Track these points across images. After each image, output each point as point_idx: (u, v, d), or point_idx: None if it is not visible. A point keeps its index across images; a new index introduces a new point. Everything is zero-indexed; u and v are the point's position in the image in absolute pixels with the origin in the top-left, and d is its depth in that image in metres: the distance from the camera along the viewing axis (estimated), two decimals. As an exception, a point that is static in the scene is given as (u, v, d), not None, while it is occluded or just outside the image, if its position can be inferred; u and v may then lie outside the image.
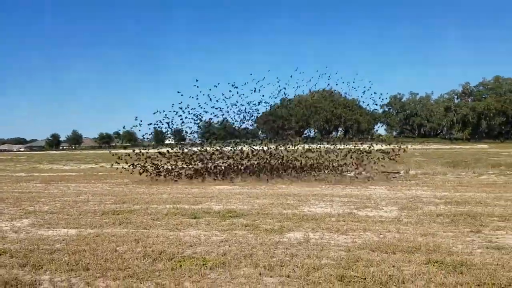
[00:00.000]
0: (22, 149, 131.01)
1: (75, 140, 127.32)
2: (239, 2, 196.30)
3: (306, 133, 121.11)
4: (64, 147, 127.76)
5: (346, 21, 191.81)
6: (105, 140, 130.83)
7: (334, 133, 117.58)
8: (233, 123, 23.63)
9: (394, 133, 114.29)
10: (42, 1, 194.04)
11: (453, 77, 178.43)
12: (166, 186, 13.49)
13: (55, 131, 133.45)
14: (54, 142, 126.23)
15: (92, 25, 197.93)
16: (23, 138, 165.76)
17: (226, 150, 18.15)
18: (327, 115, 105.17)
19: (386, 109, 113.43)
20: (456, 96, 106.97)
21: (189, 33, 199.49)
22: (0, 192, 12.16)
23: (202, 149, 18.49)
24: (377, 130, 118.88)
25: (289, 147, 18.13)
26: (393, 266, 4.48)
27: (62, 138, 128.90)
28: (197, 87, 21.69)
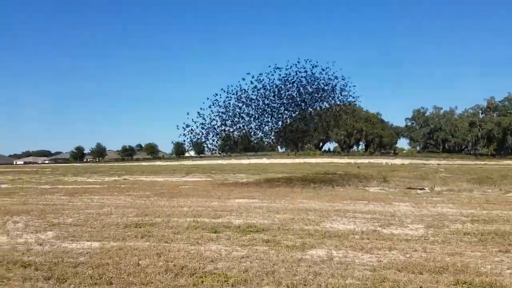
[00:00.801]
0: (47, 162, 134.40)
1: (99, 152, 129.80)
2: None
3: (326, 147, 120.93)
4: (88, 160, 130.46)
5: (368, 33, 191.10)
6: (128, 153, 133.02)
7: (355, 147, 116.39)
8: (252, 135, 24.20)
9: (418, 148, 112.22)
10: (59, 17, 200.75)
11: (477, 91, 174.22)
12: (187, 199, 13.54)
13: (79, 144, 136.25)
14: (78, 155, 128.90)
15: (110, 32, 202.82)
16: (48, 150, 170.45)
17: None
18: (348, 128, 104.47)
19: (409, 124, 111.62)
20: (480, 111, 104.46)
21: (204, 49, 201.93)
22: (25, 204, 12.45)
23: None
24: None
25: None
26: (420, 287, 4.33)
27: (86, 150, 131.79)
28: (217, 100, 22.18)
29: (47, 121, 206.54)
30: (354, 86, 23.46)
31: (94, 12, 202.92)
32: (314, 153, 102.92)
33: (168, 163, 74.53)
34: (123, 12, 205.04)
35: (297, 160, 68.48)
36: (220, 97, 22.36)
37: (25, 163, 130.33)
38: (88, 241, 6.88)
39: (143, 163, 77.01)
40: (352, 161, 60.57)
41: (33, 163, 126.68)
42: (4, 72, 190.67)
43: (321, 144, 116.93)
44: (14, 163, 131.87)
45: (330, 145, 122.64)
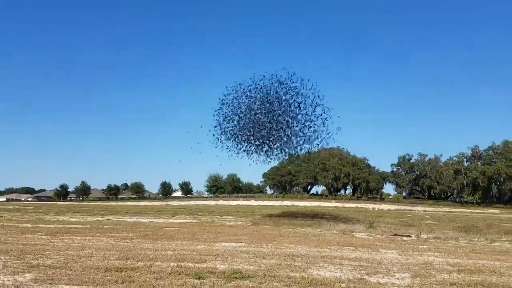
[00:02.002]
0: (30, 199, 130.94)
1: (83, 191, 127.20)
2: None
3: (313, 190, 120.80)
4: (72, 198, 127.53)
5: (357, 79, 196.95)
6: (113, 192, 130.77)
7: (342, 191, 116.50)
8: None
9: (404, 193, 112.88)
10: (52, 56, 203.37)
11: (462, 140, 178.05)
12: (171, 242, 13.26)
13: (64, 182, 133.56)
14: (62, 193, 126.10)
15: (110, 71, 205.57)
16: (31, 187, 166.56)
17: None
18: (336, 172, 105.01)
19: (395, 169, 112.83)
20: (465, 159, 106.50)
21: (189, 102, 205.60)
22: (5, 244, 12.05)
23: None
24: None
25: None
26: None
27: (71, 188, 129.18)
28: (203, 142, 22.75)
29: (32, 157, 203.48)
30: (338, 116, 24.46)
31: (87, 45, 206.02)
32: (302, 196, 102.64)
33: (154, 203, 73.29)
34: (115, 50, 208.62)
35: (285, 203, 68.13)
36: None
37: (7, 200, 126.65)
38: (67, 284, 6.65)
39: (128, 203, 75.59)
40: (339, 204, 60.51)
41: (16, 200, 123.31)
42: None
43: (309, 187, 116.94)
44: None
45: (318, 188, 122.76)
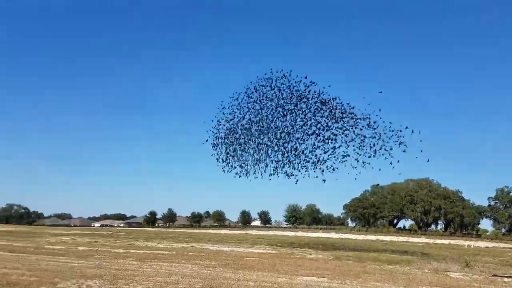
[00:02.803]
0: (122, 225, 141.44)
1: (170, 218, 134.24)
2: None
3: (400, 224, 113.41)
4: (160, 225, 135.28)
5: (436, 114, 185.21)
6: (196, 219, 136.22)
7: (433, 226, 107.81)
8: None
9: (503, 230, 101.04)
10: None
11: None
12: (252, 272, 13.18)
13: (153, 208, 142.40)
14: (151, 219, 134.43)
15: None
16: (123, 214, 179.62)
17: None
18: (425, 205, 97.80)
19: (493, 203, 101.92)
20: None
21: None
22: (99, 268, 12.95)
23: None
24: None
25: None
26: None
27: (159, 215, 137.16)
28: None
29: (124, 185, 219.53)
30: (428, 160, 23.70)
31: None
32: (388, 230, 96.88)
33: (234, 231, 74.46)
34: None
35: (369, 237, 64.79)
36: None
37: (102, 226, 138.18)
38: (154, 311, 6.85)
39: (210, 231, 77.71)
40: (430, 241, 55.81)
41: (109, 226, 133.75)
42: (74, 140, 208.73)
43: (395, 220, 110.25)
44: (92, 225, 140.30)
45: (405, 223, 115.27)
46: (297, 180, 26.70)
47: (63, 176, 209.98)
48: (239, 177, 27.40)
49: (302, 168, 26.39)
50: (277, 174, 26.93)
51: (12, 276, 10.51)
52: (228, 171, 27.75)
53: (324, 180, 26.13)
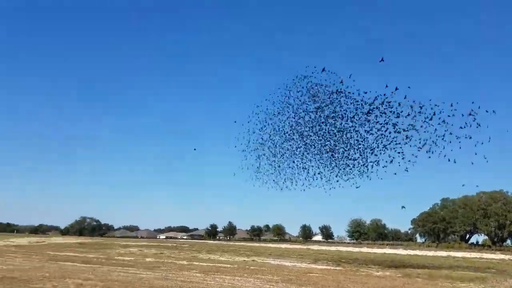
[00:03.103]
0: (185, 237, 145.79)
1: (230, 231, 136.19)
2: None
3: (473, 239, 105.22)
4: (220, 237, 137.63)
5: None
6: (256, 233, 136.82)
7: (508, 240, 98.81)
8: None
9: None
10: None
11: None
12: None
13: (213, 221, 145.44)
14: (212, 232, 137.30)
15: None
16: (186, 226, 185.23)
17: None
18: (499, 219, 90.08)
19: None
20: None
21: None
22: (166, 280, 13.26)
23: None
24: None
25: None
26: None
27: (219, 228, 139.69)
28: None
29: (187, 198, 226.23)
30: None
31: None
32: (460, 246, 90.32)
33: (294, 246, 73.45)
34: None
35: (439, 253, 60.75)
36: None
37: (166, 237, 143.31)
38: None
39: (270, 245, 77.33)
40: (506, 257, 51.15)
41: (173, 238, 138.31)
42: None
43: (467, 236, 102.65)
44: (158, 237, 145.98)
45: (478, 238, 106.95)
46: (358, 186, 25.01)
47: (131, 189, 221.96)
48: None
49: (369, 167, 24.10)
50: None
51: (86, 287, 11.04)
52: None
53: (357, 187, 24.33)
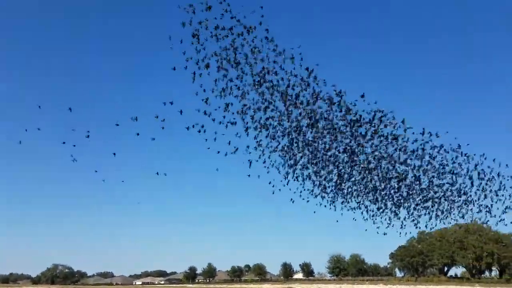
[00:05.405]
0: (162, 282, 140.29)
1: (210, 273, 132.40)
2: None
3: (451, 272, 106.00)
4: (200, 280, 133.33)
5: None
6: (236, 274, 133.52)
7: (487, 272, 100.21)
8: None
9: None
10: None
11: None
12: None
13: (192, 264, 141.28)
14: (191, 275, 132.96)
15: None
16: (164, 270, 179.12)
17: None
18: (476, 251, 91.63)
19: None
20: None
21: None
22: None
23: None
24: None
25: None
26: None
27: (199, 270, 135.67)
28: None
29: (164, 242, 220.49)
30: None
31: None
32: (439, 279, 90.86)
33: (276, 285, 72.40)
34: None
35: (420, 287, 61.20)
36: None
37: (143, 283, 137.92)
38: None
39: (251, 285, 75.90)
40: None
41: (150, 283, 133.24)
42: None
43: (445, 268, 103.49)
44: (134, 283, 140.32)
45: (456, 270, 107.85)
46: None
47: (105, 235, 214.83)
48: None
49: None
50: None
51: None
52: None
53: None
